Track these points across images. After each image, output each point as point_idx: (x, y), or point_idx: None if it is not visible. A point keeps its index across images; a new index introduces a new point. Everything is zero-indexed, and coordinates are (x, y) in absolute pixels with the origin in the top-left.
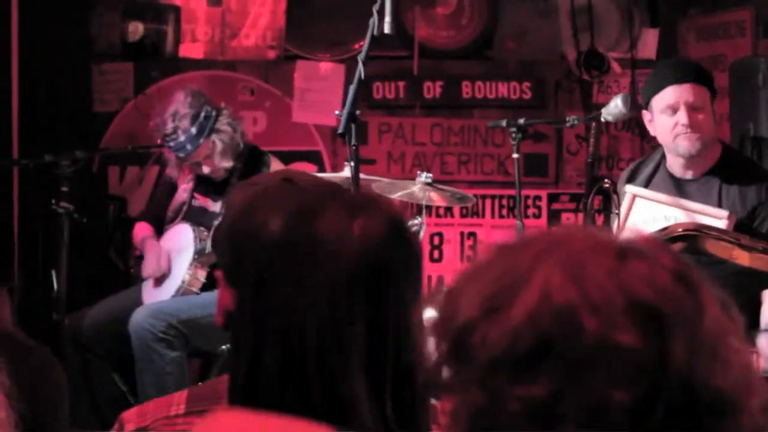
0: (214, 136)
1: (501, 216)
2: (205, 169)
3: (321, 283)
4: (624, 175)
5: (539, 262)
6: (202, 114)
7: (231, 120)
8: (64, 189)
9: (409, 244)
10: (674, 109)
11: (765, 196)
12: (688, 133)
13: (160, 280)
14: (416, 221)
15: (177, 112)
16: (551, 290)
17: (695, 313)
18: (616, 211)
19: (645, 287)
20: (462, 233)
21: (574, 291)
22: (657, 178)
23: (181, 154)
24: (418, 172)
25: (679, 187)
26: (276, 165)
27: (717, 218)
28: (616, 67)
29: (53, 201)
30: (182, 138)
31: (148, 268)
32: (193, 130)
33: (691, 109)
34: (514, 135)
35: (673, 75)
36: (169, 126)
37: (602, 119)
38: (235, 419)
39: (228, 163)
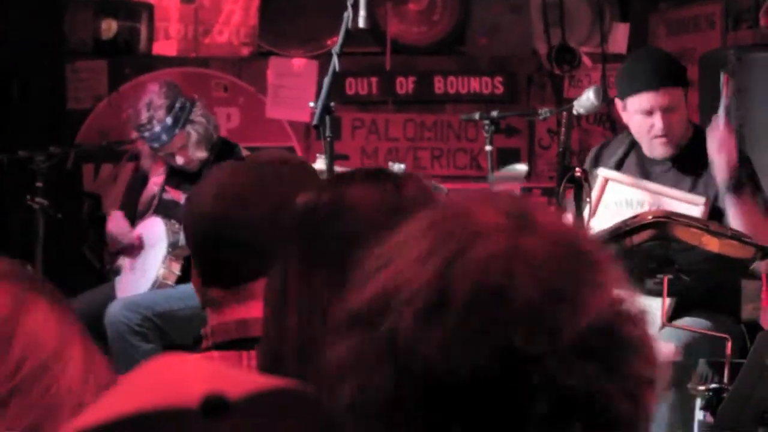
0: (188, 127)
1: None
2: (179, 160)
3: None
4: (589, 158)
5: (425, 237)
6: (177, 105)
7: (204, 111)
8: (39, 185)
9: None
10: (650, 113)
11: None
12: (664, 138)
13: (135, 272)
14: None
15: (152, 103)
16: (413, 270)
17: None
18: (588, 200)
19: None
20: None
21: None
22: (629, 160)
23: (156, 145)
24: (391, 162)
25: (651, 169)
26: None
27: (694, 204)
28: (587, 61)
29: (28, 197)
30: (157, 128)
31: (115, 237)
32: (169, 120)
33: (666, 112)
34: (487, 128)
35: (649, 79)
36: (144, 116)
37: (574, 111)
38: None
39: (202, 154)
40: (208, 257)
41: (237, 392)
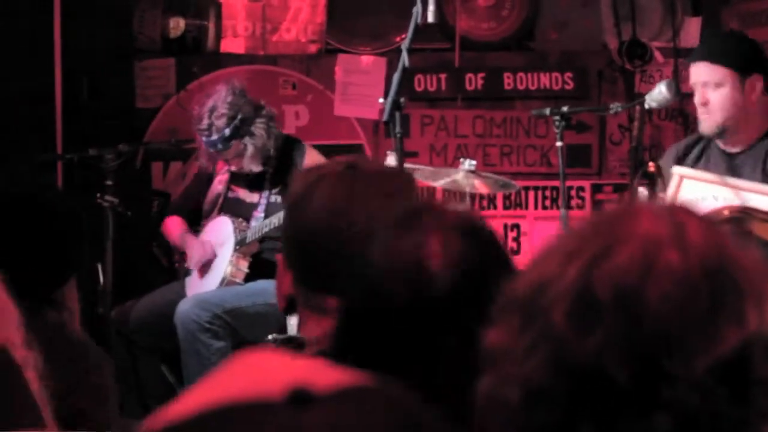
0: (246, 139)
1: (544, 207)
2: (232, 167)
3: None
4: (671, 152)
5: (578, 235)
6: (239, 116)
7: (268, 122)
8: (109, 183)
9: (494, 252)
10: (696, 87)
11: None
12: (704, 114)
13: (204, 271)
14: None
15: (215, 109)
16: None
17: None
18: (663, 195)
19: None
20: (505, 225)
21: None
22: (708, 153)
23: (211, 149)
24: (461, 159)
25: (729, 161)
26: (311, 154)
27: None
28: (658, 56)
29: (98, 195)
30: (215, 137)
31: (195, 256)
32: (227, 131)
33: (706, 87)
34: (557, 123)
35: (694, 52)
36: (205, 122)
37: (646, 105)
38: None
39: (256, 168)
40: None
41: (322, 386)
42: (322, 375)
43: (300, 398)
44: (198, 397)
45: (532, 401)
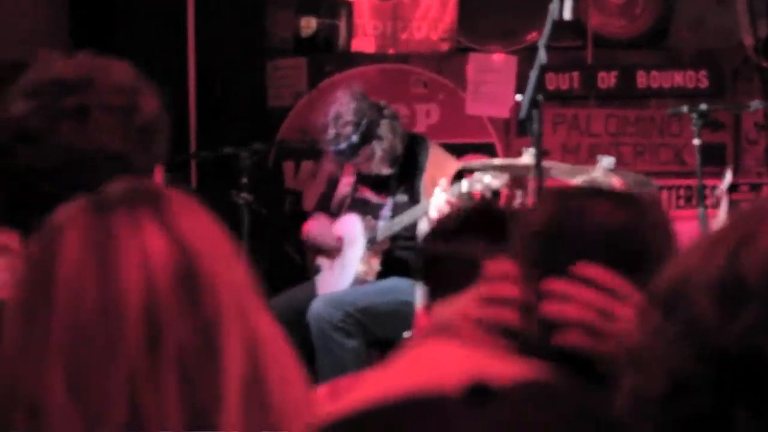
0: (375, 143)
1: (678, 206)
2: (362, 170)
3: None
4: None
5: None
6: (365, 121)
7: (392, 122)
8: (244, 180)
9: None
10: None
11: None
12: None
13: (335, 269)
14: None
15: (340, 117)
16: None
17: None
18: None
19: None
20: None
21: None
22: None
23: (340, 159)
24: (599, 156)
25: None
26: (435, 152)
27: None
28: None
29: (234, 192)
30: (343, 146)
31: (316, 242)
32: (355, 138)
33: None
34: (695, 121)
35: None
36: (331, 132)
37: None
38: (445, 348)
39: (386, 170)
40: None
41: (499, 381)
42: (498, 368)
43: (478, 394)
44: (376, 388)
45: (681, 392)
